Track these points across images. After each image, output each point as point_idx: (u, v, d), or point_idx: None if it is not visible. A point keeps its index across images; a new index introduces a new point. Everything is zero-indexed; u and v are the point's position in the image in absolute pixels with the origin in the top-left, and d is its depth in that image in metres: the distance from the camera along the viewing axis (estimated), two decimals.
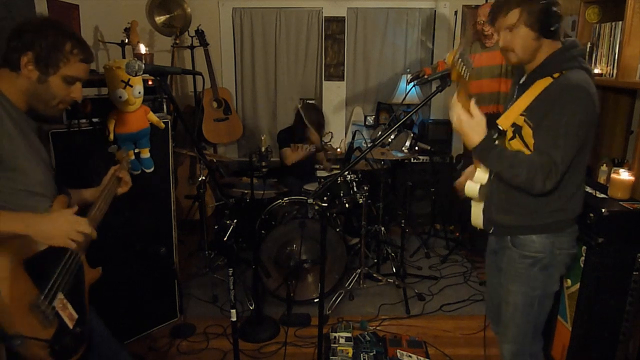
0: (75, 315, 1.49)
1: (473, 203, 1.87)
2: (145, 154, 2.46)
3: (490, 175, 1.75)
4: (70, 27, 1.54)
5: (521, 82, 1.75)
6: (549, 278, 1.76)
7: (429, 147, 4.15)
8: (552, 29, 1.58)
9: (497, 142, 1.67)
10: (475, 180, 1.78)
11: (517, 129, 1.67)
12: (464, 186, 1.82)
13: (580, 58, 1.64)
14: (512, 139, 1.68)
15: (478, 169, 1.77)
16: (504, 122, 1.70)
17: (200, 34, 4.06)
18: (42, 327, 1.35)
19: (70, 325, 1.46)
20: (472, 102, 1.63)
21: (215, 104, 4.22)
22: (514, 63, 1.72)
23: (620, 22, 2.41)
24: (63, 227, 1.38)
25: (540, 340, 1.90)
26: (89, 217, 1.57)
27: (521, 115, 1.65)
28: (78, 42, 1.49)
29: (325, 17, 4.56)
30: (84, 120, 2.31)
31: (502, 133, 1.69)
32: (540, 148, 1.60)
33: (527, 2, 1.59)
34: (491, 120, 1.69)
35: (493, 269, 1.95)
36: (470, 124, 1.62)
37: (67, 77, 1.48)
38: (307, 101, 4.47)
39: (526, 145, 1.65)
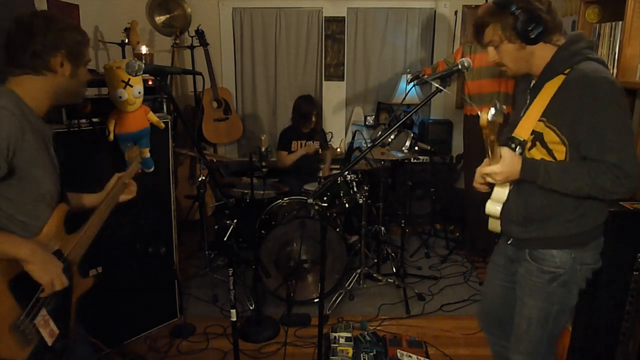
0: (57, 331, 1.45)
1: (491, 218, 1.76)
2: (146, 154, 2.46)
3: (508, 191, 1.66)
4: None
5: (532, 86, 1.64)
6: (568, 293, 1.66)
7: (429, 147, 4.14)
8: (532, 36, 1.48)
9: (517, 152, 1.58)
10: (494, 199, 1.68)
11: (537, 136, 1.55)
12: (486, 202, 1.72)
13: (587, 50, 1.52)
14: (531, 148, 1.58)
15: (496, 186, 1.67)
16: (522, 132, 1.59)
17: (200, 34, 4.06)
18: (21, 348, 1.33)
19: (50, 342, 1.42)
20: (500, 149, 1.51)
21: (215, 104, 4.21)
22: (513, 75, 1.64)
23: (620, 22, 2.41)
24: (56, 270, 1.40)
25: (552, 352, 1.81)
26: (85, 227, 1.58)
27: (539, 121, 1.54)
28: (79, 28, 1.54)
29: (325, 17, 4.55)
30: (84, 120, 2.31)
31: (522, 143, 1.58)
32: (592, 157, 1.46)
33: (497, 16, 1.51)
34: None
35: (502, 273, 1.86)
36: (504, 164, 1.50)
37: (88, 62, 1.55)
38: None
39: (549, 152, 1.54)
